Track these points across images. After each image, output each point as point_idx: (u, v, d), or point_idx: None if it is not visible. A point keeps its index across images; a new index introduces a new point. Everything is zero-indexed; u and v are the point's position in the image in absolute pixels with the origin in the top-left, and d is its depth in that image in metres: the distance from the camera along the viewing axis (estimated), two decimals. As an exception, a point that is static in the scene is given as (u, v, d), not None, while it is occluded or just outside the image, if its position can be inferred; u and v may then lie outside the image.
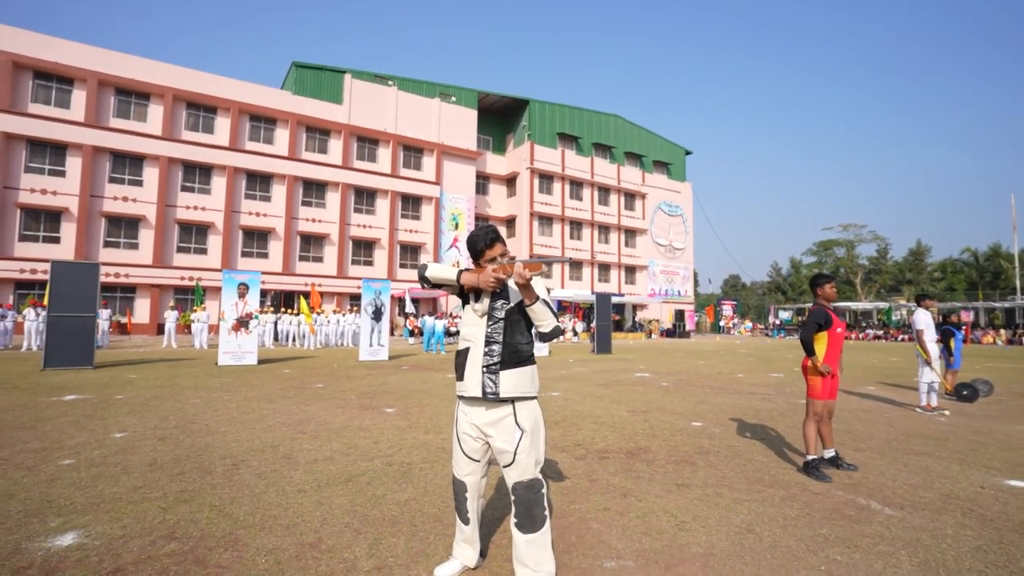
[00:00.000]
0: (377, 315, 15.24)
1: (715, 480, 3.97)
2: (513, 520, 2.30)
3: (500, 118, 41.98)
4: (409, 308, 28.28)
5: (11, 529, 2.87)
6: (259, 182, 28.01)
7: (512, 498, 2.31)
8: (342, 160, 30.28)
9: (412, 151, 33.53)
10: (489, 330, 2.34)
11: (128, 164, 24.53)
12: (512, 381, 2.29)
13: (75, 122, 23.11)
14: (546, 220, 39.99)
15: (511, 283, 2.36)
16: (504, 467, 2.32)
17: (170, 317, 18.52)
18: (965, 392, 8.42)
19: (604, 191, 43.47)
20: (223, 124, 26.86)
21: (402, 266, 32.86)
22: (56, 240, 22.96)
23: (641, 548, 2.76)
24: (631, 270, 44.92)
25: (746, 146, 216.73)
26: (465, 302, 2.44)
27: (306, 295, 24.40)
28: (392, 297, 31.84)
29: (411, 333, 26.01)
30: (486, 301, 2.36)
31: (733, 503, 3.48)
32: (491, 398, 2.28)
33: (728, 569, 2.54)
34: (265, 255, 28.03)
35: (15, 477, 3.76)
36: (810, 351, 4.22)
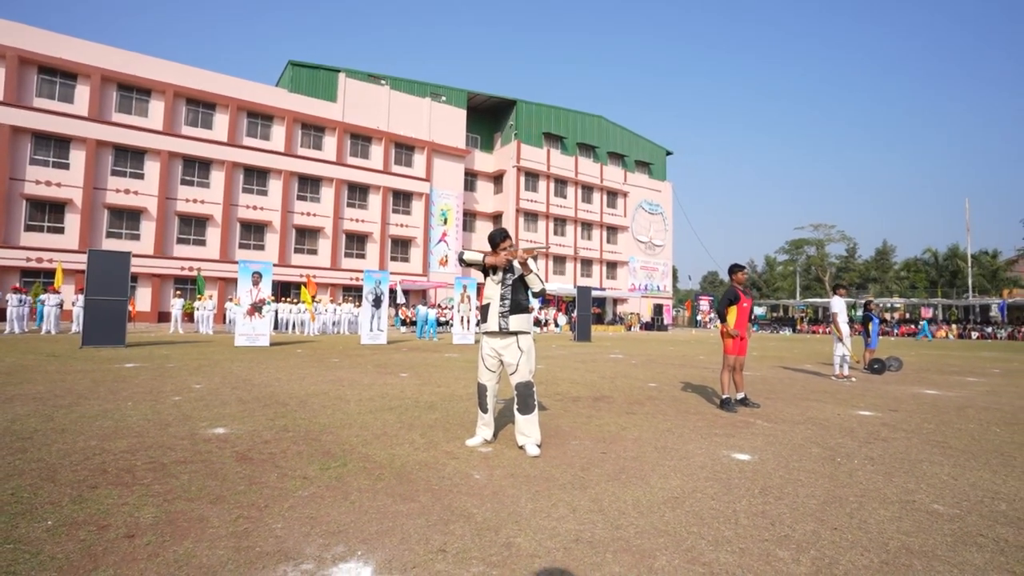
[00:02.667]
0: (377, 303, 16.63)
1: (655, 411, 5.55)
2: (516, 407, 3.84)
3: (489, 117, 43.29)
4: (400, 299, 29.61)
5: (178, 427, 4.32)
6: (256, 176, 29.00)
7: (515, 393, 3.84)
8: (336, 156, 31.37)
9: (403, 148, 34.73)
10: (503, 291, 3.87)
11: (130, 158, 25.37)
12: (516, 322, 3.83)
13: (79, 116, 23.90)
14: (531, 216, 41.51)
15: (516, 263, 3.89)
16: (511, 374, 3.86)
17: (176, 305, 19.65)
18: (876, 366, 10.18)
19: (587, 189, 45.13)
20: (222, 120, 27.79)
21: (393, 259, 34.11)
22: (60, 231, 23.79)
23: (594, 436, 4.33)
24: (612, 266, 46.73)
25: (726, 147, 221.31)
26: (486, 275, 3.97)
27: (303, 285, 25.56)
28: (383, 289, 33.14)
29: (403, 322, 27.35)
30: (500, 273, 3.89)
31: (662, 420, 5.07)
32: (504, 332, 3.82)
33: (648, 444, 4.11)
34: (262, 247, 29.07)
35: (150, 405, 5.18)
36: (723, 319, 5.83)
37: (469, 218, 40.84)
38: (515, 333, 3.85)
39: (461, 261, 3.94)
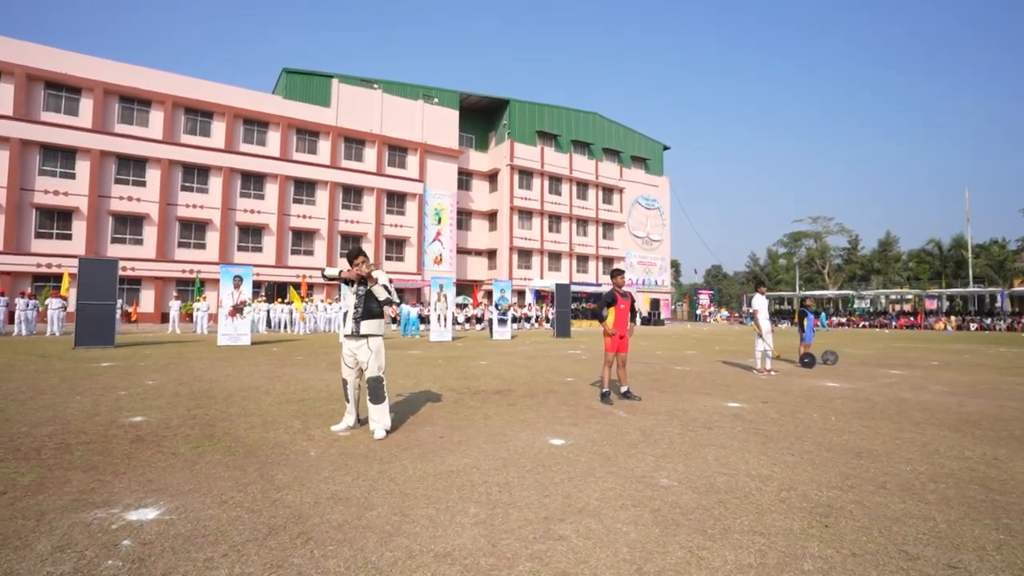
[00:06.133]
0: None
1: (536, 404, 6.24)
2: (368, 397, 4.58)
3: (482, 117, 43.92)
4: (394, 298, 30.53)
5: (105, 416, 5.15)
6: (253, 181, 30.12)
7: (367, 386, 4.59)
8: (330, 160, 32.36)
9: (397, 150, 35.59)
10: (356, 300, 4.61)
11: (132, 166, 26.64)
12: (367, 326, 4.57)
13: (83, 128, 25.18)
14: (526, 214, 42.13)
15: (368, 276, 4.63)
16: (364, 371, 4.60)
17: (174, 306, 20.77)
18: (806, 360, 10.70)
19: (582, 186, 45.58)
20: (219, 128, 28.92)
21: (388, 258, 35.07)
22: (68, 237, 25.14)
23: (450, 425, 5.05)
24: (609, 261, 47.14)
25: (725, 140, 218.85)
26: (348, 286, 4.71)
27: (297, 286, 26.61)
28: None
29: (393, 320, 28.24)
30: (356, 286, 4.63)
31: (530, 412, 5.76)
32: (356, 335, 4.56)
33: (487, 431, 4.82)
34: (260, 249, 30.21)
35: (94, 398, 6.04)
36: (601, 320, 6.49)
37: (464, 217, 41.63)
38: (366, 336, 4.59)
39: (323, 276, 4.69)
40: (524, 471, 3.55)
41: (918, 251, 53.14)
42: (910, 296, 45.86)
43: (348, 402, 4.72)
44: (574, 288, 43.64)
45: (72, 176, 25.25)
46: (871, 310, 45.83)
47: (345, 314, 4.69)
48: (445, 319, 19.17)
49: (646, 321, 44.75)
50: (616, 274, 6.67)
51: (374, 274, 4.59)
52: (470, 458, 3.86)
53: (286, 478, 3.34)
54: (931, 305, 44.56)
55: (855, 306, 44.99)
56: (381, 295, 4.60)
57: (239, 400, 6.09)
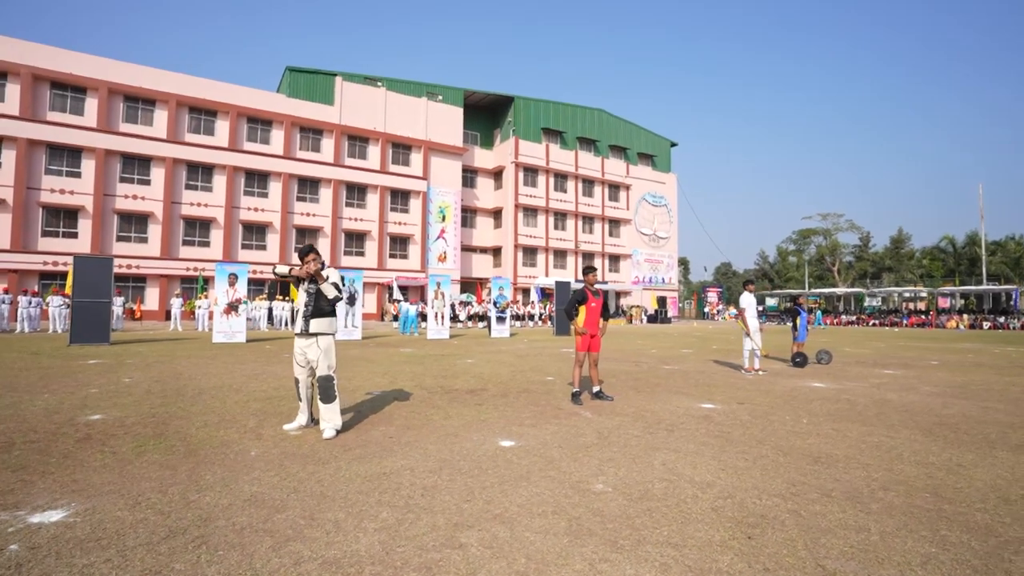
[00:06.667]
0: (351, 300, 17.50)
1: (504, 404, 6.14)
2: (318, 396, 4.51)
3: (487, 114, 43.78)
4: (396, 295, 30.62)
5: (65, 414, 5.15)
6: (257, 180, 30.32)
7: (317, 385, 4.52)
8: (334, 158, 32.47)
9: (400, 148, 35.61)
10: (307, 298, 4.54)
11: (137, 165, 26.95)
12: (316, 324, 4.49)
13: (88, 127, 25.51)
14: (531, 212, 41.97)
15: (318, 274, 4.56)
16: (314, 368, 4.53)
17: (175, 304, 20.97)
18: (798, 360, 10.47)
19: (588, 183, 45.29)
20: (223, 126, 29.14)
21: (392, 256, 35.14)
22: (74, 235, 25.50)
23: (406, 425, 4.97)
24: (615, 259, 46.85)
25: (734, 136, 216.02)
26: (297, 284, 4.64)
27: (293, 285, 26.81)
28: (381, 285, 34.22)
29: (395, 318, 28.30)
30: (306, 283, 4.56)
31: (493, 412, 5.67)
32: (306, 333, 4.49)
33: (441, 432, 4.73)
34: (263, 247, 30.42)
35: (61, 396, 6.05)
36: (571, 318, 6.36)
37: (470, 214, 41.59)
38: (315, 334, 4.52)
39: (274, 273, 4.63)
40: (458, 474, 3.46)
41: (931, 248, 52.11)
42: (924, 294, 44.96)
43: (300, 401, 4.66)
44: (580, 285, 43.52)
45: (78, 175, 25.60)
46: (883, 308, 44.99)
47: (296, 312, 4.62)
48: (442, 317, 19.13)
49: (653, 319, 44.45)
50: (588, 271, 6.54)
51: (324, 272, 4.52)
52: (409, 460, 3.77)
53: (213, 479, 3.28)
54: (944, 303, 43.68)
55: (866, 304, 44.20)
56: (330, 293, 4.53)
57: (207, 398, 6.07)
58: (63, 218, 25.43)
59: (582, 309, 6.39)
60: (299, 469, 3.51)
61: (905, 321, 38.32)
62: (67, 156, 25.46)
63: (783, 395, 6.90)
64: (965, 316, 36.99)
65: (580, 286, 6.59)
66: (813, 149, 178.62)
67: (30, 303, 18.05)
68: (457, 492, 3.10)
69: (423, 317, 23.33)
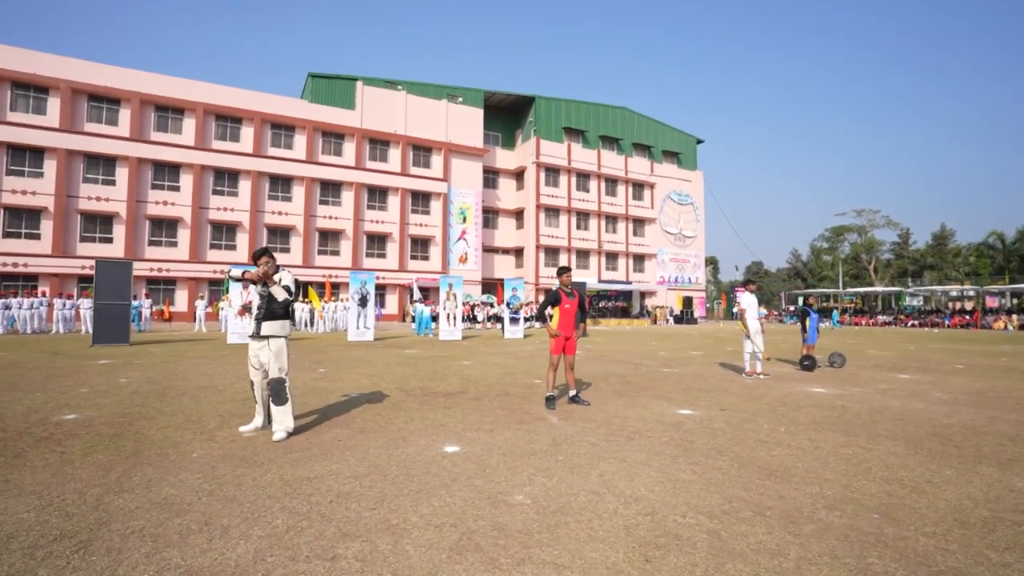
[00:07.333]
0: (363, 302, 17.73)
1: (478, 407, 6.04)
2: (270, 399, 4.52)
3: (508, 115, 43.72)
4: (417, 296, 30.86)
5: (44, 413, 5.32)
6: (280, 184, 31.13)
7: (269, 387, 4.52)
8: (355, 161, 33.03)
9: (421, 150, 35.95)
10: (260, 301, 4.56)
11: (167, 172, 28.06)
12: (268, 327, 4.50)
13: (122, 137, 26.71)
14: (553, 212, 41.71)
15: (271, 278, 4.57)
16: (266, 371, 4.54)
17: (199, 306, 21.70)
18: (806, 363, 10.00)
19: (611, 182, 44.70)
20: (248, 133, 30.04)
21: (413, 258, 35.49)
22: (109, 240, 26.73)
23: (361, 429, 4.93)
24: (639, 258, 46.08)
25: (764, 130, 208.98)
26: (254, 286, 4.66)
27: (309, 286, 27.35)
28: (402, 287, 34.58)
29: (413, 319, 28.55)
30: (259, 286, 4.58)
31: (458, 415, 5.57)
32: (257, 335, 4.51)
33: (393, 436, 4.67)
34: (287, 250, 31.19)
35: (53, 396, 6.28)
36: (543, 320, 6.21)
37: (491, 215, 41.63)
38: (267, 337, 4.53)
39: (229, 276, 4.66)
40: (381, 480, 3.38)
41: (978, 245, 49.18)
42: (972, 293, 42.49)
43: (257, 403, 4.68)
44: (602, 286, 43.02)
45: (113, 183, 26.84)
46: (924, 308, 42.75)
47: (251, 313, 4.64)
48: (454, 318, 19.16)
49: (679, 319, 43.47)
50: (561, 272, 6.37)
51: (277, 275, 4.53)
52: (341, 464, 3.72)
53: (140, 480, 3.31)
54: (993, 303, 41.26)
55: (905, 303, 42.11)
56: (280, 295, 4.53)
57: (186, 399, 6.18)
58: (99, 224, 26.70)
59: (556, 311, 6.23)
60: (228, 472, 3.50)
61: (947, 322, 36.30)
62: (102, 165, 26.73)
63: (773, 401, 6.57)
64: (1015, 316, 34.76)
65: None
66: (847, 143, 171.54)
67: (64, 305, 18.96)
68: (367, 499, 3.02)
69: (435, 318, 23.44)
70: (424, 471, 3.59)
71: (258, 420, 4.70)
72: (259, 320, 4.53)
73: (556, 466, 3.75)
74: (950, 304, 44.22)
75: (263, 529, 2.60)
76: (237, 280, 4.63)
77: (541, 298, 38.14)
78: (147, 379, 7.73)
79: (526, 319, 29.83)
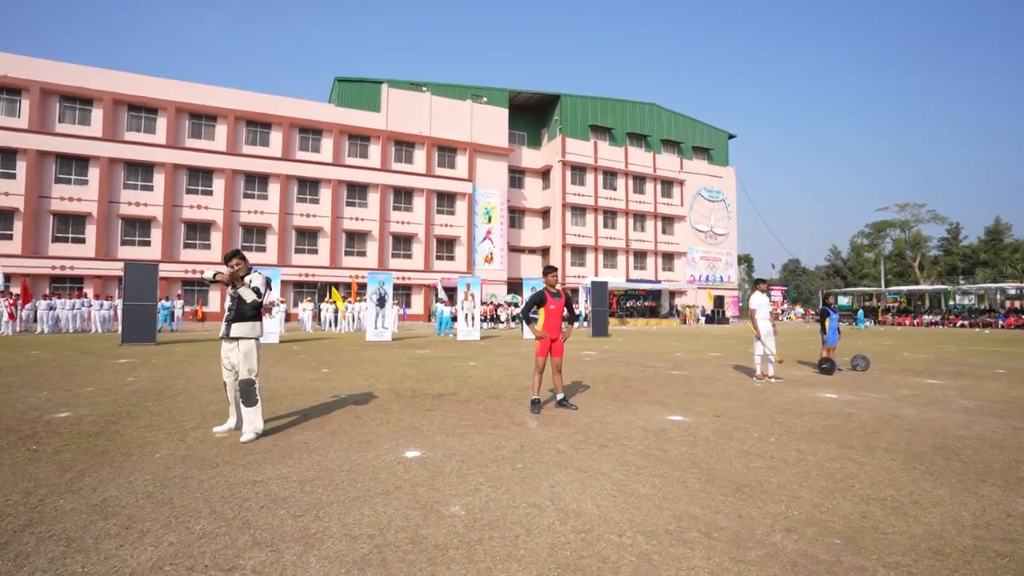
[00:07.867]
0: (381, 302, 17.92)
1: (461, 410, 5.94)
2: (240, 400, 4.54)
3: (534, 114, 43.53)
4: (442, 295, 31.06)
5: (40, 411, 5.53)
6: (308, 187, 31.89)
7: (238, 388, 4.54)
8: (381, 163, 33.52)
9: (446, 151, 36.17)
10: (231, 302, 4.59)
11: (200, 177, 29.17)
12: (237, 328, 4.52)
13: (158, 144, 27.93)
14: (579, 211, 41.28)
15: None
16: (236, 372, 4.57)
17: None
18: (825, 366, 9.48)
19: (639, 180, 43.90)
20: (276, 137, 30.91)
21: (438, 258, 35.76)
22: (148, 243, 28.00)
23: (332, 431, 4.90)
24: (669, 257, 45.10)
25: (799, 123, 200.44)
26: (228, 287, 4.70)
27: (348, 286, 27.92)
28: (428, 287, 34.86)
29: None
30: (231, 288, 4.60)
31: (436, 419, 5.48)
32: (228, 337, 4.53)
33: (358, 440, 4.62)
34: (315, 251, 31.94)
35: (58, 394, 6.54)
36: (528, 322, 6.05)
37: (518, 215, 41.55)
38: (236, 338, 4.55)
39: (202, 278, 4.71)
40: (324, 486, 3.32)
41: (1039, 240, 45.90)
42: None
43: (230, 404, 4.72)
44: (630, 285, 42.26)
45: (150, 188, 28.10)
46: (975, 307, 40.18)
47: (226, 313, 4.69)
48: (472, 318, 19.15)
49: (710, 319, 42.28)
50: (547, 272, 6.20)
51: (247, 277, 4.55)
52: (293, 468, 3.68)
53: (92, 480, 3.35)
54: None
55: (954, 302, 39.69)
56: (248, 297, 4.55)
57: (180, 398, 6.32)
58: (138, 228, 27.99)
59: (541, 312, 6.06)
60: (179, 473, 3.52)
61: (1001, 322, 34.00)
62: (140, 171, 28.01)
63: (774, 407, 6.21)
64: (1077, 317, 32.26)
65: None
66: (889, 135, 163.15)
67: (102, 306, 19.94)
68: (299, 506, 2.96)
69: (453, 319, 23.49)
70: (372, 477, 3.51)
71: (231, 421, 4.73)
72: (229, 322, 4.56)
73: (510, 475, 3.61)
74: (1006, 303, 41.41)
75: (178, 535, 2.56)
76: (210, 281, 4.67)
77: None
78: (153, 378, 7.97)
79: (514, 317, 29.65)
